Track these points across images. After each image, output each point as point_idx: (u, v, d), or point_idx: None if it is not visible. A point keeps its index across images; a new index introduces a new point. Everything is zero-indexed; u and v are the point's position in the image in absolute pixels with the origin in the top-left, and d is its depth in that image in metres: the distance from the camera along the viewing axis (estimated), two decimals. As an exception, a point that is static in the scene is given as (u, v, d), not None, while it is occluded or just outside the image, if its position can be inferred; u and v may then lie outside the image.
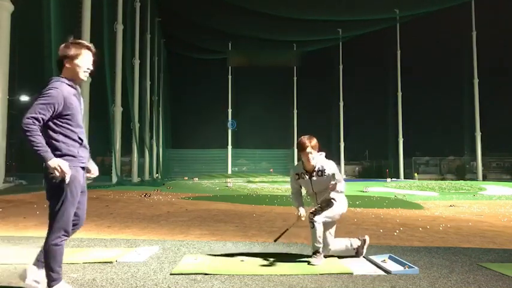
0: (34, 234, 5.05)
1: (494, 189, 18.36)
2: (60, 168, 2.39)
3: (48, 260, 2.52)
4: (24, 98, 25.62)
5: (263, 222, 6.56)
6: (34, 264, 2.70)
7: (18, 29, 14.97)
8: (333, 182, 3.69)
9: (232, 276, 3.11)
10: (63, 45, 2.63)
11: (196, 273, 3.16)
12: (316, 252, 3.65)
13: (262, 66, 46.08)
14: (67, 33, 17.71)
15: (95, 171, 2.85)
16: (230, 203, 10.73)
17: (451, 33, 39.24)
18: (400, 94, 41.13)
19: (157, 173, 36.54)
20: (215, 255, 3.87)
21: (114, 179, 22.58)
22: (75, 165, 2.55)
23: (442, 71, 43.18)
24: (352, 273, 3.24)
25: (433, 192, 16.99)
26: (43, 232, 5.14)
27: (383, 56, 43.39)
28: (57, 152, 2.47)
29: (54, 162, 2.39)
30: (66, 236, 2.56)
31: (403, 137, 41.21)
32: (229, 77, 46.43)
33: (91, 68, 2.66)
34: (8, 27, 12.86)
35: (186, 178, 33.05)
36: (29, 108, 2.39)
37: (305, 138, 3.73)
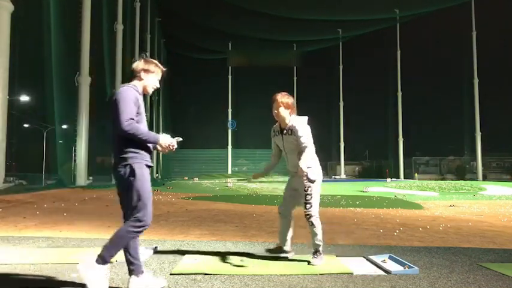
0: (34, 234, 5.05)
1: (494, 189, 18.36)
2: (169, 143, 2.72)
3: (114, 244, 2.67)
4: (24, 98, 25.64)
5: (263, 222, 6.56)
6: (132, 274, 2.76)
7: (18, 29, 14.97)
8: (302, 143, 3.60)
9: (232, 276, 3.11)
10: (143, 60, 2.92)
11: (196, 273, 3.17)
12: (316, 251, 3.64)
13: (262, 66, 46.07)
14: (67, 33, 17.72)
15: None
16: (230, 203, 10.73)
17: (451, 33, 39.24)
18: (400, 94, 41.13)
19: (157, 173, 36.55)
20: (215, 255, 3.87)
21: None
22: (140, 162, 2.72)
23: (442, 71, 43.16)
24: (352, 273, 3.25)
25: (433, 192, 16.99)
26: (43, 232, 5.15)
27: (383, 56, 43.38)
28: (132, 148, 2.67)
29: (164, 140, 2.73)
30: (143, 227, 2.74)
31: (403, 137, 41.20)
32: (229, 77, 46.42)
33: (158, 86, 2.97)
34: (8, 27, 12.85)
35: (186, 178, 33.05)
36: (116, 117, 2.61)
37: (278, 94, 3.75)
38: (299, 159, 3.59)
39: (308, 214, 3.66)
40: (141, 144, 2.67)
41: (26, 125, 35.56)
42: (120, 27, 24.67)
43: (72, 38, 18.52)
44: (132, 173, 2.66)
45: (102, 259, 2.61)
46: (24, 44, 17.93)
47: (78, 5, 18.65)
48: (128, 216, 2.71)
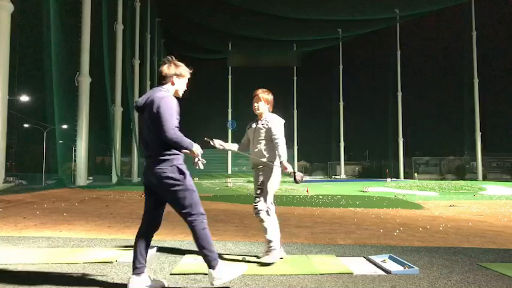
0: (34, 234, 5.05)
1: (494, 189, 18.36)
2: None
3: (203, 243, 2.75)
4: (24, 98, 25.64)
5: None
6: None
7: (18, 29, 14.97)
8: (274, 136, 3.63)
9: (232, 276, 3.11)
10: (172, 64, 2.95)
11: (196, 273, 3.17)
12: (269, 248, 3.52)
13: (262, 66, 46.09)
14: (67, 33, 17.72)
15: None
16: (230, 203, 10.73)
17: (451, 33, 39.25)
18: (400, 94, 41.13)
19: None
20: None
21: (114, 179, 22.58)
22: (182, 163, 2.88)
23: (442, 71, 43.19)
24: (352, 273, 3.24)
25: (433, 192, 16.99)
26: (43, 232, 5.15)
27: (383, 56, 43.40)
28: (174, 150, 2.81)
29: (196, 147, 2.85)
30: (205, 218, 2.82)
31: (403, 137, 41.20)
32: (229, 77, 46.43)
33: (186, 89, 3.11)
34: (8, 27, 12.86)
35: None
36: (161, 124, 2.70)
37: (259, 89, 3.85)
38: (266, 151, 3.67)
39: (256, 208, 3.59)
40: (177, 148, 2.81)
41: (26, 125, 35.59)
42: (120, 27, 24.67)
43: (72, 38, 18.52)
44: (181, 172, 2.79)
45: (214, 261, 2.75)
46: (24, 44, 17.93)
47: (78, 5, 18.66)
48: (184, 215, 2.78)
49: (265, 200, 3.60)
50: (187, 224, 2.76)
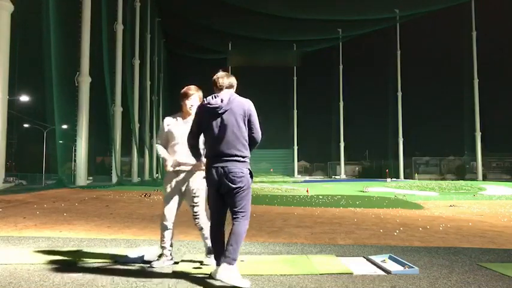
0: (34, 234, 5.05)
1: (494, 189, 18.37)
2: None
3: (239, 240, 2.93)
4: (24, 98, 25.63)
5: (263, 222, 6.55)
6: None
7: (18, 29, 14.97)
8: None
9: (232, 276, 3.11)
10: (231, 75, 3.24)
11: (196, 273, 3.16)
12: (210, 251, 3.38)
13: (262, 66, 46.09)
14: (67, 33, 17.72)
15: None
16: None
17: (451, 33, 39.26)
18: (400, 94, 41.11)
19: (157, 173, 36.55)
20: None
21: (114, 179, 22.57)
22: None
23: (442, 71, 43.21)
24: (352, 273, 3.24)
25: (433, 192, 17.00)
26: (43, 232, 5.15)
27: (383, 56, 43.40)
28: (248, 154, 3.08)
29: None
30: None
31: (403, 137, 41.19)
32: (229, 77, 46.38)
33: None
34: (8, 27, 12.85)
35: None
36: (256, 126, 3.04)
37: (193, 86, 3.64)
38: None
39: (197, 216, 3.46)
40: (252, 148, 3.07)
41: (26, 125, 35.58)
42: (120, 27, 24.66)
43: (72, 38, 18.53)
44: (251, 175, 3.02)
45: (233, 260, 2.86)
46: (24, 44, 17.93)
47: (78, 5, 18.66)
48: (238, 213, 2.96)
49: (204, 206, 3.48)
50: (235, 220, 2.95)
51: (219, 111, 2.96)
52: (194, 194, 3.44)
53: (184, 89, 3.60)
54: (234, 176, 2.90)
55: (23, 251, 3.98)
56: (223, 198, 3.00)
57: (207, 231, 3.40)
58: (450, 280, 3.11)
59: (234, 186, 2.91)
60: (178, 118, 3.57)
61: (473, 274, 3.30)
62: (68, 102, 17.92)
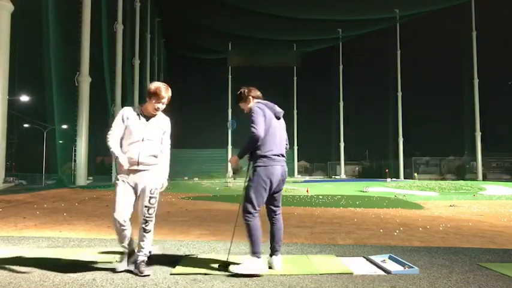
0: (34, 234, 5.05)
1: (494, 189, 18.36)
2: None
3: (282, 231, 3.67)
4: (24, 98, 25.63)
5: (263, 222, 6.53)
6: None
7: (18, 28, 14.97)
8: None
9: (232, 276, 3.11)
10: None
11: (196, 273, 3.16)
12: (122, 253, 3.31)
13: (262, 66, 46.07)
14: (67, 33, 17.72)
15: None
16: (230, 203, 10.72)
17: (451, 33, 39.24)
18: (400, 94, 41.11)
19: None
20: (215, 255, 3.86)
21: (114, 179, 22.58)
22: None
23: (442, 71, 43.17)
24: (352, 273, 3.24)
25: (433, 192, 16.99)
26: (43, 232, 5.15)
27: (383, 56, 43.38)
28: None
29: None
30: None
31: (403, 137, 41.18)
32: (229, 77, 46.40)
33: None
34: (8, 27, 12.86)
35: (186, 178, 33.02)
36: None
37: (164, 86, 3.34)
38: (153, 154, 3.25)
39: (151, 219, 3.23)
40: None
41: (26, 125, 35.58)
42: (120, 27, 24.66)
43: (72, 38, 18.53)
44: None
45: (277, 249, 3.54)
46: (24, 43, 17.92)
47: (78, 5, 18.66)
48: (278, 208, 3.57)
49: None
50: (278, 215, 3.58)
51: (280, 116, 3.54)
52: (152, 194, 3.20)
53: (156, 88, 3.26)
54: (285, 173, 3.45)
55: (23, 251, 3.98)
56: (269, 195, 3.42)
57: (150, 236, 3.22)
58: (450, 280, 3.11)
59: (283, 183, 3.46)
60: (140, 115, 3.26)
61: (473, 274, 3.30)
62: (68, 102, 17.92)
